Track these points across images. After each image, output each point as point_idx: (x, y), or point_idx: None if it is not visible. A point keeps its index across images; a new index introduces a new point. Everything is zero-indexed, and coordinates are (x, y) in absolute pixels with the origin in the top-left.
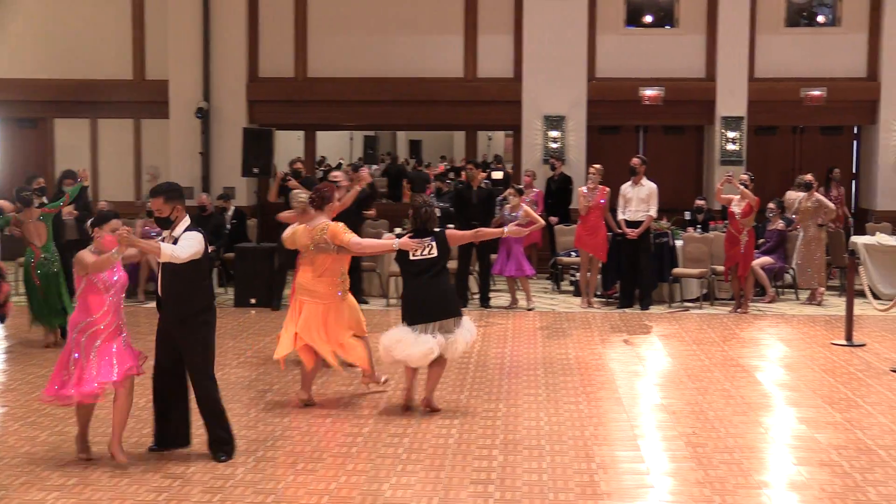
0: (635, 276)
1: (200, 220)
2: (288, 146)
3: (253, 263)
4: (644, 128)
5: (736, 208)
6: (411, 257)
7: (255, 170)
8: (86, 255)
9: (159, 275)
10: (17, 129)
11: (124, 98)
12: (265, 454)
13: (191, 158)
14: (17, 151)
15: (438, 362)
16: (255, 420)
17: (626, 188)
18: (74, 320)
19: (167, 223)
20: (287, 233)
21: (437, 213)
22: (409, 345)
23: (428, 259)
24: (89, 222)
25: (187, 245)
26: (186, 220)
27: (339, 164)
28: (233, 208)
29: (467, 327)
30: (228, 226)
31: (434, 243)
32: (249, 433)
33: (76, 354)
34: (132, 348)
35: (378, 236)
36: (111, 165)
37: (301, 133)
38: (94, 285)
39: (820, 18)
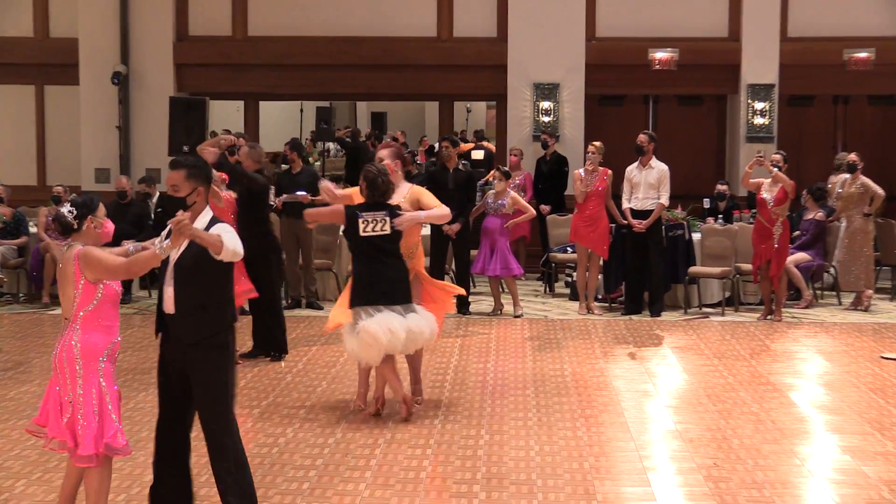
0: (644, 276)
1: (119, 208)
2: (225, 119)
3: None
4: (654, 98)
5: (767, 195)
6: (361, 233)
7: (185, 147)
8: (98, 252)
9: (166, 282)
10: None
11: (24, 59)
12: (198, 491)
13: (106, 133)
14: None
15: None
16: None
17: (633, 171)
18: (95, 347)
19: (181, 205)
20: None
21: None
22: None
23: (380, 236)
24: (73, 212)
25: (235, 238)
26: (209, 212)
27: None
28: (158, 194)
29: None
30: (153, 215)
31: (388, 218)
32: None
33: (114, 387)
34: None
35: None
36: (8, 140)
37: (240, 103)
38: (114, 294)
39: None
